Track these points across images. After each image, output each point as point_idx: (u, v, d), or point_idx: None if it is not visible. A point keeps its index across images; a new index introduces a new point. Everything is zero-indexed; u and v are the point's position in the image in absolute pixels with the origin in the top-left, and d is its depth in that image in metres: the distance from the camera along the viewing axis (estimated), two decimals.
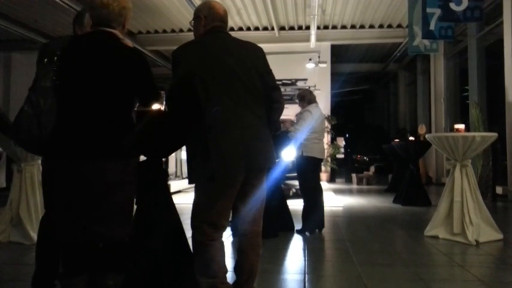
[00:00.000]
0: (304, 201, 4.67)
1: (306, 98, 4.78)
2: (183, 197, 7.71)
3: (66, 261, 1.98)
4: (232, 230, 3.90)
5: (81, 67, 1.92)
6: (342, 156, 13.62)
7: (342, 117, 14.85)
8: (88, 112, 1.89)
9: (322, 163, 5.76)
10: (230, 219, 2.41)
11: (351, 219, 5.89)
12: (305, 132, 4.50)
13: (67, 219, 1.93)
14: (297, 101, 4.93)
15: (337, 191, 9.63)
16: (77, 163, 1.87)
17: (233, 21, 11.61)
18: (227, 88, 2.07)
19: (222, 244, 2.13)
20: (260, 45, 2.31)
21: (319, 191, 4.70)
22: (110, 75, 1.92)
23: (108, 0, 1.99)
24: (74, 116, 1.89)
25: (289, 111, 5.03)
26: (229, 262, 2.20)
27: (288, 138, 4.53)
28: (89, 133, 1.88)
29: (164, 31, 12.26)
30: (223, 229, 2.16)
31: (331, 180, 12.65)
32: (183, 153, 9.06)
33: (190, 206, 2.16)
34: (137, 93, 2.02)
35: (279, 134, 4.31)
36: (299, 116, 4.69)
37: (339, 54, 14.07)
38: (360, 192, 10.03)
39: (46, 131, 1.87)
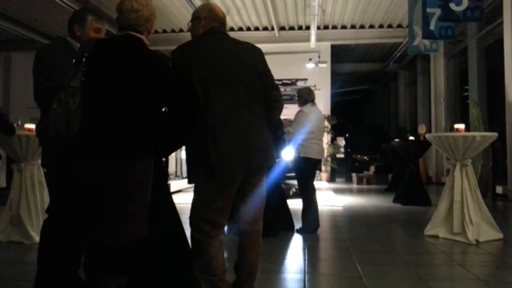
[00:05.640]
0: (304, 201, 4.66)
1: (302, 98, 4.70)
2: (183, 196, 7.69)
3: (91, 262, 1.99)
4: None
5: (108, 69, 1.94)
6: (342, 155, 13.63)
7: (342, 117, 14.82)
8: (116, 113, 1.91)
9: (322, 163, 5.75)
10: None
11: (351, 218, 5.90)
12: (301, 133, 4.46)
13: (92, 219, 1.93)
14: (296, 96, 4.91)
15: (337, 191, 9.62)
16: (105, 162, 1.88)
17: (233, 21, 11.61)
18: (227, 88, 2.08)
19: (220, 242, 2.14)
20: (260, 45, 2.32)
21: (312, 190, 4.66)
22: (137, 79, 1.93)
23: (138, 5, 2.02)
24: (101, 116, 1.91)
25: (289, 111, 5.02)
26: (229, 261, 2.19)
27: (285, 139, 4.50)
28: (118, 133, 1.89)
29: (164, 31, 12.27)
30: (222, 227, 2.16)
31: (331, 179, 12.63)
32: (183, 153, 9.06)
33: (190, 206, 2.17)
34: (163, 96, 2.03)
35: (278, 134, 4.30)
36: (295, 117, 4.65)
37: (339, 54, 14.06)
38: (360, 191, 10.03)
39: (73, 131, 1.88)
